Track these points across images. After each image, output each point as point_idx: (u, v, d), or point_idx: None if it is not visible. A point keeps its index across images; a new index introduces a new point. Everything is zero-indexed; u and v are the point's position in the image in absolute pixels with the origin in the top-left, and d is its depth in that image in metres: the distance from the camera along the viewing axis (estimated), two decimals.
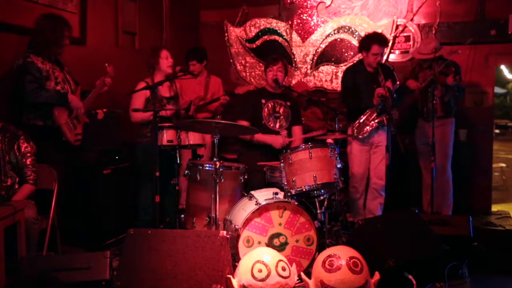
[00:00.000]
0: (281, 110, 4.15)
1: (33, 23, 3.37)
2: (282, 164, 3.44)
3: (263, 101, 4.13)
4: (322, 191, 3.41)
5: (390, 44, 5.17)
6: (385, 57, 5.21)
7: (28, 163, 3.08)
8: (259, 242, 3.16)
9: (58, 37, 3.39)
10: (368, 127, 4.24)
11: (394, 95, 4.14)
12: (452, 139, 4.56)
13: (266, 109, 4.11)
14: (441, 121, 4.45)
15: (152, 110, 3.50)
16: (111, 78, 3.74)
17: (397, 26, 5.22)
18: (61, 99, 3.37)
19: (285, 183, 3.39)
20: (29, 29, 3.41)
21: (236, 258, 3.09)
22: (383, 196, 4.34)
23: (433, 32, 5.10)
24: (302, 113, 4.89)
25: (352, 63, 4.95)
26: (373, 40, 4.20)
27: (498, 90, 13.34)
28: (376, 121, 4.21)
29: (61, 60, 3.55)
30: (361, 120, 4.26)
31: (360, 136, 4.27)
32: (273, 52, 5.11)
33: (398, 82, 4.29)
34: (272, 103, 4.14)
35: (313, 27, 5.53)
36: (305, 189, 3.29)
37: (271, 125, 4.11)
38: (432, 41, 4.64)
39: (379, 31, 5.11)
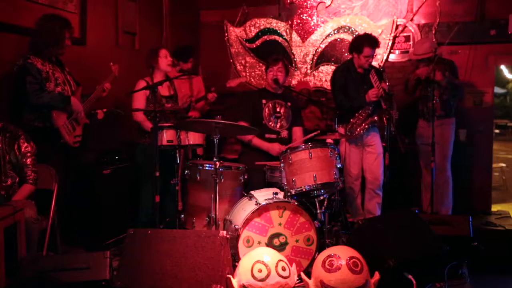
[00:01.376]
0: (282, 111, 4.15)
1: (33, 23, 3.37)
2: (282, 164, 3.44)
3: (264, 101, 4.12)
4: (322, 191, 3.41)
5: (389, 44, 5.18)
6: (385, 57, 5.21)
7: (28, 163, 3.07)
8: (259, 242, 3.16)
9: (58, 38, 3.37)
10: (360, 128, 4.23)
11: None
12: (452, 139, 4.56)
13: (266, 109, 4.11)
14: (441, 121, 4.45)
15: (152, 110, 3.50)
16: (112, 81, 3.73)
17: (397, 26, 5.22)
18: (64, 101, 3.37)
19: (285, 183, 3.38)
20: (29, 29, 3.41)
21: (236, 258, 3.09)
22: (380, 195, 4.34)
23: (433, 32, 5.10)
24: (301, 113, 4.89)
25: (341, 64, 4.92)
26: (364, 42, 4.19)
27: (498, 90, 13.32)
28: (367, 121, 4.21)
29: (62, 61, 3.55)
30: (353, 121, 4.25)
31: (353, 137, 4.25)
32: (273, 52, 5.10)
33: (387, 83, 4.28)
34: (272, 103, 4.14)
35: (313, 27, 5.53)
36: (305, 189, 3.29)
37: (272, 125, 4.11)
38: (426, 41, 4.64)
39: (379, 31, 5.14)
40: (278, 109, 4.14)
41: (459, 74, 4.67)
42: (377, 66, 4.56)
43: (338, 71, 4.50)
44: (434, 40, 4.89)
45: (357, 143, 4.33)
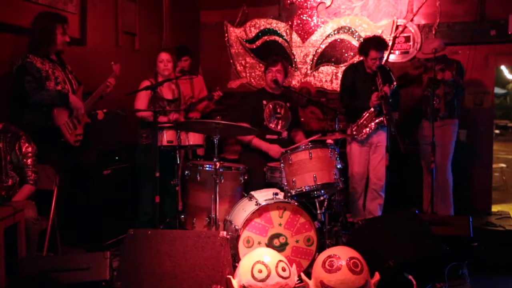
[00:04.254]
0: (282, 111, 4.15)
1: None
2: (282, 165, 3.44)
3: (264, 102, 4.12)
4: (322, 191, 3.41)
5: (389, 44, 5.18)
6: (385, 58, 5.21)
7: (28, 163, 3.07)
8: (259, 243, 3.16)
9: (49, 35, 3.33)
10: (367, 129, 4.25)
11: (390, 100, 4.14)
12: (453, 140, 4.55)
13: (267, 110, 4.11)
14: (444, 121, 4.45)
15: (152, 111, 3.50)
16: (115, 78, 3.72)
17: (397, 27, 5.22)
18: (62, 98, 3.36)
19: (285, 183, 3.38)
20: (27, 29, 3.40)
21: (236, 259, 3.09)
22: (382, 197, 4.34)
23: (433, 32, 5.10)
24: (301, 113, 4.90)
25: (352, 63, 4.95)
26: (370, 46, 4.20)
27: (498, 90, 13.30)
28: (375, 122, 4.22)
29: (64, 59, 3.54)
30: (360, 122, 4.27)
31: (359, 137, 4.28)
32: (273, 53, 5.11)
33: (395, 83, 4.29)
34: (273, 104, 4.14)
35: (313, 28, 5.53)
36: (305, 189, 3.29)
37: (272, 126, 4.10)
38: (434, 41, 4.64)
39: (379, 31, 5.14)
40: (278, 110, 4.14)
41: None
42: (386, 67, 4.55)
43: (346, 71, 4.53)
44: (440, 41, 4.86)
45: (364, 143, 4.33)
